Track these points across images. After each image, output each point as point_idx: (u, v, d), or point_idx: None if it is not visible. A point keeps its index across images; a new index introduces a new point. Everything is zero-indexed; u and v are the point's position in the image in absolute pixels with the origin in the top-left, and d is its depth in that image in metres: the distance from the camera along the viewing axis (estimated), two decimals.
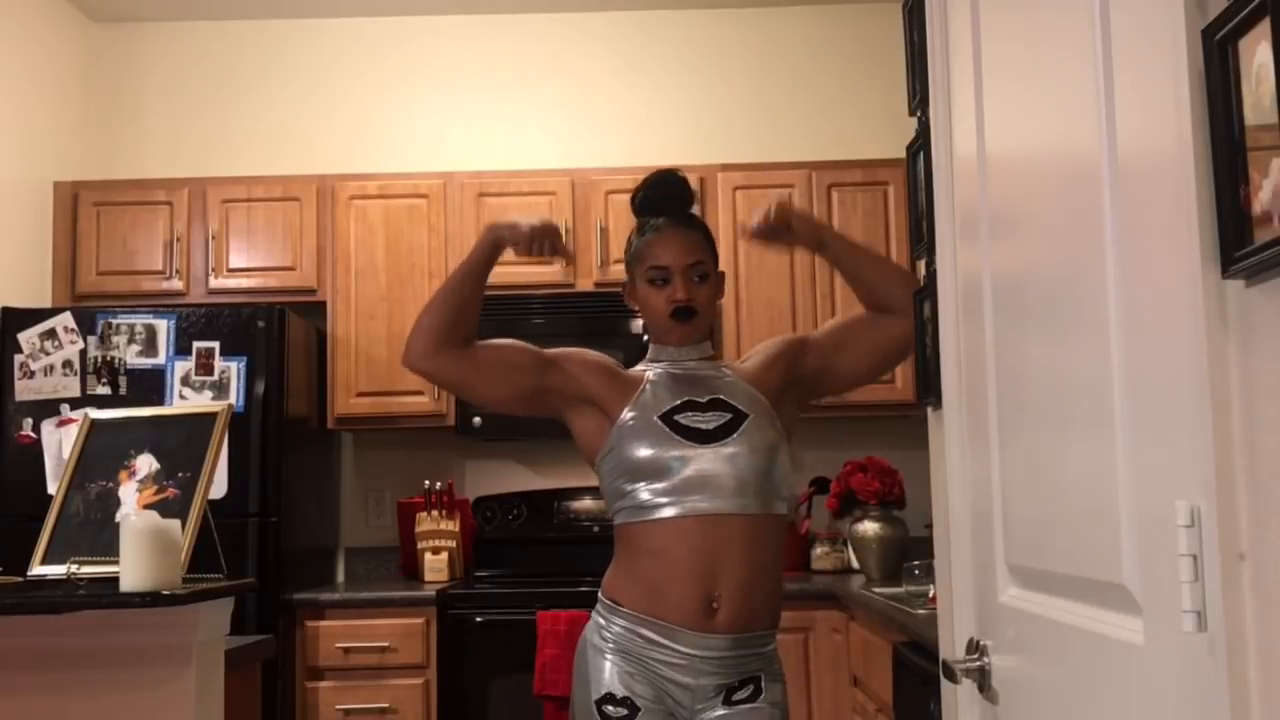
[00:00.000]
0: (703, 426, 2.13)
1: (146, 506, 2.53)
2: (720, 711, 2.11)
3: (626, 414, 2.15)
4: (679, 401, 2.15)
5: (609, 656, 2.12)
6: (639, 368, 2.27)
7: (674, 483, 2.10)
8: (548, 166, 4.56)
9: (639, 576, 2.13)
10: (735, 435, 2.12)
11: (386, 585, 4.24)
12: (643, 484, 2.12)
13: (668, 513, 2.10)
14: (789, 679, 2.29)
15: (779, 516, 2.21)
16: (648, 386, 2.19)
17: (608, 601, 2.18)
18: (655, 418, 2.13)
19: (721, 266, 2.32)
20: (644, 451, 2.12)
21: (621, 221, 4.33)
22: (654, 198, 2.24)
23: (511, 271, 4.33)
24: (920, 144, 1.94)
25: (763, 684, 2.15)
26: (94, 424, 2.74)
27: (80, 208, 4.40)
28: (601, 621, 2.17)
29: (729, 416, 2.14)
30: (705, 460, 2.10)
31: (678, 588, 2.08)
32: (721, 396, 2.16)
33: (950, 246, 1.74)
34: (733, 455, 2.12)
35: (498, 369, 2.21)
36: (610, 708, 2.08)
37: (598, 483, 2.26)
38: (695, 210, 2.29)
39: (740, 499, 2.11)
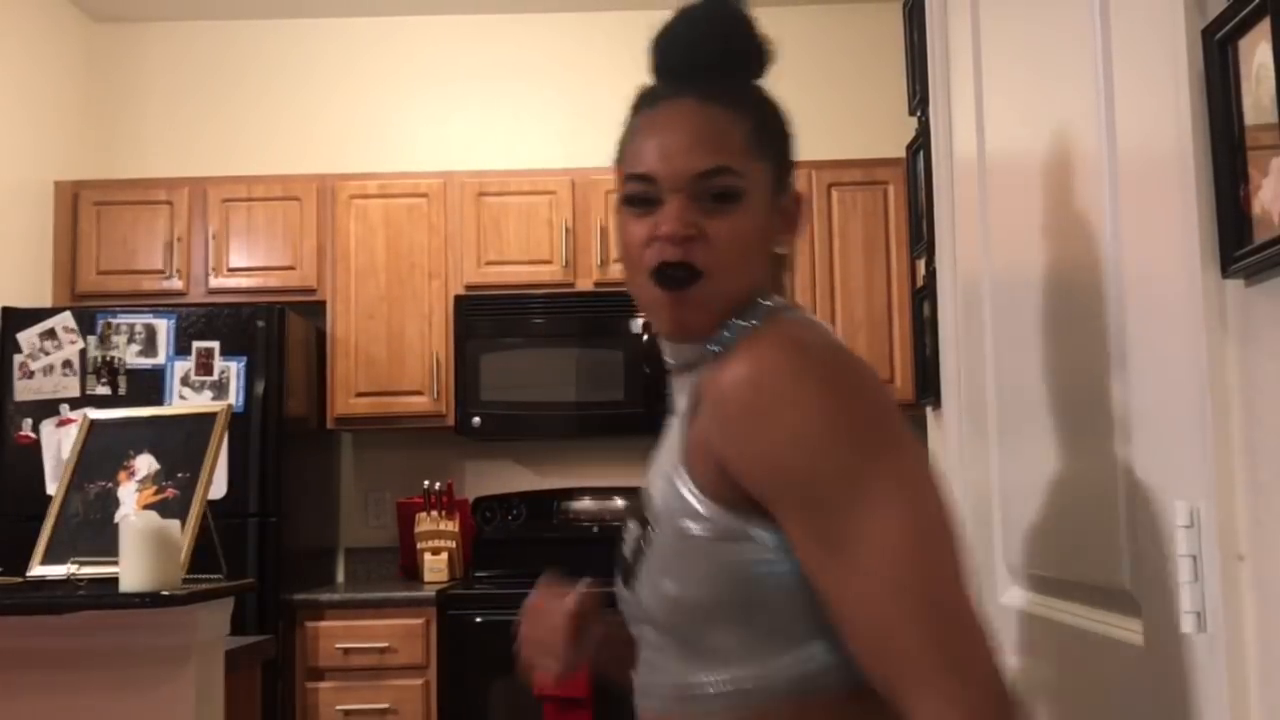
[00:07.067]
0: None
1: (146, 506, 2.53)
2: None
3: None
4: None
5: None
6: None
7: None
8: (548, 166, 4.55)
9: None
10: None
11: (386, 586, 4.23)
12: None
13: None
14: None
15: None
16: None
17: None
18: None
19: None
20: None
21: None
22: (668, 49, 1.25)
23: (511, 271, 4.35)
24: (920, 144, 1.94)
25: None
26: (93, 424, 2.74)
27: (80, 207, 4.40)
28: None
29: None
30: None
31: None
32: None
33: (950, 246, 1.74)
34: None
35: None
36: None
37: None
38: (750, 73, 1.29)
39: None
